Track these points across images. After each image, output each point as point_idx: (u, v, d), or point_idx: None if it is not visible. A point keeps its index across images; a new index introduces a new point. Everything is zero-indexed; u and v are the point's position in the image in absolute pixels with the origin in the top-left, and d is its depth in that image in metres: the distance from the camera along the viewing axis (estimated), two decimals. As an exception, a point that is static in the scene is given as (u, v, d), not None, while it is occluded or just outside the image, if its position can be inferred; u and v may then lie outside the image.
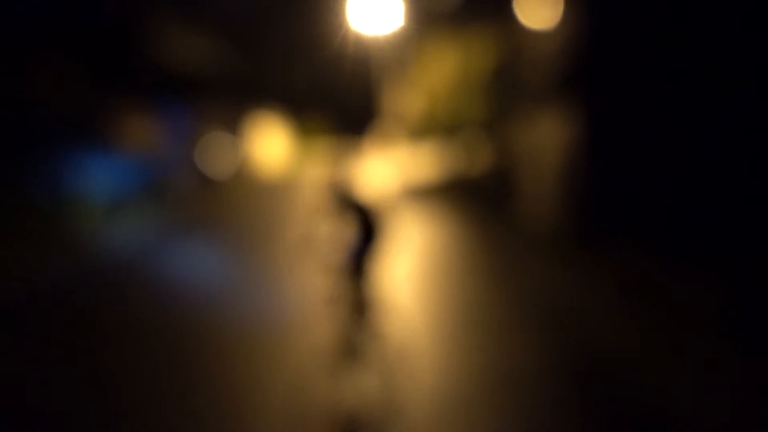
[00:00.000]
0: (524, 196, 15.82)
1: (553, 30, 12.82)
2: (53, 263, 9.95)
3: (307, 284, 7.09)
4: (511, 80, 18.51)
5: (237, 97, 40.72)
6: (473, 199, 18.27)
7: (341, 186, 5.23)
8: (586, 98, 11.43)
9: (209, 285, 8.50)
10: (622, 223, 10.83)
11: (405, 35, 45.72)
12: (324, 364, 5.14)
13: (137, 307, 7.32)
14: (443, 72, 20.78)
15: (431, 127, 31.72)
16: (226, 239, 13.20)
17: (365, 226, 5.11)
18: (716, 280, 7.82)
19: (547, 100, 13.23)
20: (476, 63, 33.95)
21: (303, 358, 5.28)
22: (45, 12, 23.06)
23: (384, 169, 32.34)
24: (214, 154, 29.20)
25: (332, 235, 5.17)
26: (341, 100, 65.99)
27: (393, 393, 4.65)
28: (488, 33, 33.99)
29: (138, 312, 7.04)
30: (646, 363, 5.56)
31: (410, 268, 9.65)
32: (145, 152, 24.63)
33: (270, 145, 43.39)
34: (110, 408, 4.52)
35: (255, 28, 39.64)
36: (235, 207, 19.97)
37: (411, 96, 44.00)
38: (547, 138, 13.48)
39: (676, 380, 5.21)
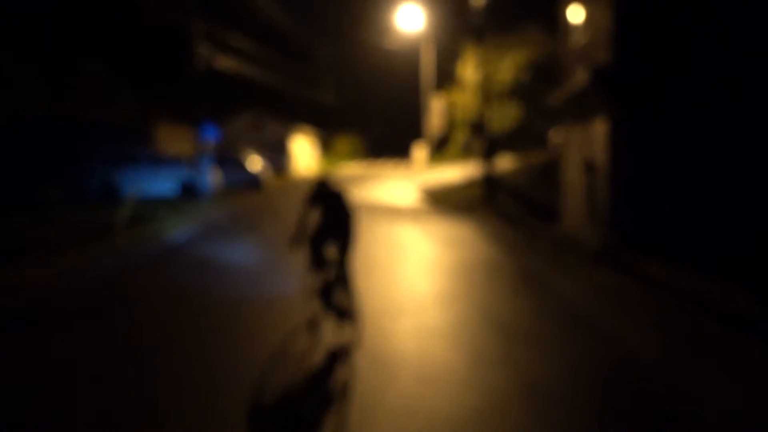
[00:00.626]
0: (559, 206, 15.62)
1: (587, 38, 12.65)
2: (106, 253, 11.48)
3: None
4: (545, 87, 18.23)
5: (279, 111, 41.52)
6: (505, 208, 18.07)
7: (322, 181, 6.47)
8: (619, 106, 11.22)
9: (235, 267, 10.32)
10: (658, 237, 10.60)
11: (442, 43, 45.68)
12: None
13: (175, 289, 8.72)
14: (483, 78, 20.61)
15: (468, 131, 31.52)
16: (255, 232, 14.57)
17: (334, 213, 6.25)
18: (752, 294, 7.55)
19: (582, 108, 13.03)
20: (512, 69, 33.69)
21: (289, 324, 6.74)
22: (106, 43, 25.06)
23: (417, 178, 32.34)
24: (258, 159, 29.91)
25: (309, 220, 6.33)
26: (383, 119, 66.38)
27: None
28: (526, 39, 33.70)
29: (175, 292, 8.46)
30: (680, 376, 5.36)
31: (436, 277, 9.56)
32: (186, 158, 25.40)
33: (304, 154, 44.11)
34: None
35: (301, 44, 40.32)
36: (271, 203, 20.18)
37: (450, 103, 43.94)
38: (583, 144, 13.27)
39: (710, 393, 5.01)
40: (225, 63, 24.88)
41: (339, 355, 5.82)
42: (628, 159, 11.21)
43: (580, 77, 12.31)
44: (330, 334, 6.29)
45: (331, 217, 6.24)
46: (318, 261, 6.25)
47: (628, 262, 10.23)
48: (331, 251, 6.27)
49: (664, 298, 8.24)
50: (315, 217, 6.32)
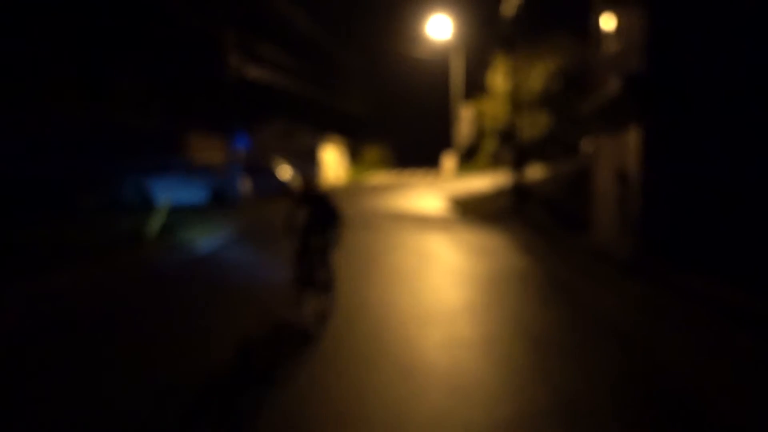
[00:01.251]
0: (589, 216, 15.42)
1: (619, 45, 12.50)
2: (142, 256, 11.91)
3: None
4: (575, 96, 18.05)
5: (308, 120, 41.90)
6: (535, 217, 17.89)
7: (306, 183, 7.92)
8: (655, 112, 11.05)
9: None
10: (692, 248, 10.40)
11: (472, 52, 45.56)
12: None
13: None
14: (512, 86, 20.50)
15: (498, 140, 31.37)
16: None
17: (321, 211, 7.48)
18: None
19: (614, 116, 12.87)
20: (542, 78, 33.43)
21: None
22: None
23: (446, 187, 32.25)
24: (288, 168, 30.28)
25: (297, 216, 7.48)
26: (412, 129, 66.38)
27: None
28: (556, 47, 33.43)
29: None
30: (719, 392, 5.22)
31: (465, 286, 9.47)
32: (217, 167, 25.76)
33: (334, 163, 44.47)
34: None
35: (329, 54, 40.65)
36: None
37: (479, 112, 43.77)
38: (615, 154, 13.09)
39: (751, 411, 4.87)
40: (255, 73, 25.12)
41: (319, 317, 7.26)
42: (661, 169, 11.02)
43: (612, 85, 12.16)
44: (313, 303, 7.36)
45: (318, 214, 7.49)
46: (305, 248, 7.42)
47: (661, 273, 10.04)
48: (316, 241, 7.43)
49: (699, 309, 8.05)
50: (303, 213, 7.53)
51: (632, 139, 11.86)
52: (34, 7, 26.37)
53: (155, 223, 14.03)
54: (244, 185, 22.84)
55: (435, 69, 59.81)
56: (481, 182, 31.57)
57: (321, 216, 7.50)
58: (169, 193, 17.66)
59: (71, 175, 23.52)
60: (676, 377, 5.65)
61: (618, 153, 12.93)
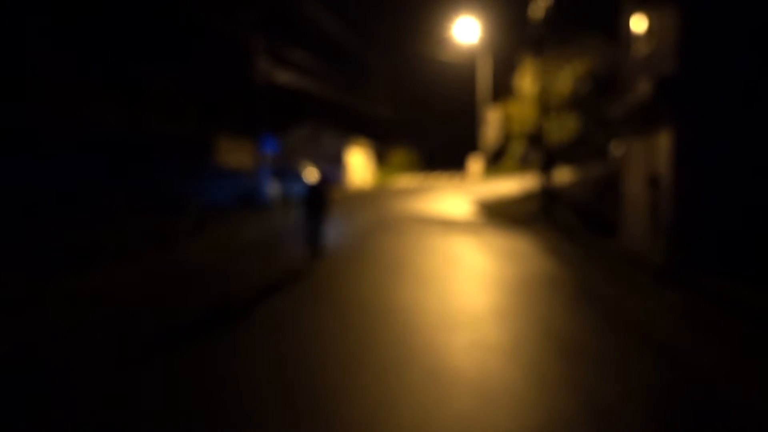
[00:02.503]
0: (619, 220, 15.19)
1: (650, 47, 12.31)
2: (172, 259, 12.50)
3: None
4: (604, 98, 17.81)
5: (335, 123, 42.12)
6: (564, 221, 17.68)
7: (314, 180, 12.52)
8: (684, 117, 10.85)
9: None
10: (726, 253, 10.18)
11: (499, 55, 45.35)
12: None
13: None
14: (540, 89, 20.32)
15: (526, 143, 31.15)
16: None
17: (318, 196, 12.09)
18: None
19: (645, 119, 12.67)
20: (570, 80, 33.11)
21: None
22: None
23: (473, 190, 32.08)
24: (315, 171, 30.50)
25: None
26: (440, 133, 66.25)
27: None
28: (585, 50, 33.11)
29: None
30: (759, 403, 5.08)
31: (492, 290, 9.39)
32: (246, 170, 26.06)
33: (360, 166, 44.59)
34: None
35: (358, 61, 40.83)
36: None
37: (506, 114, 43.52)
38: (646, 157, 12.88)
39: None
40: (284, 77, 25.31)
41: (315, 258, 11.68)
42: (693, 173, 10.81)
43: (642, 88, 11.97)
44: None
45: (316, 198, 12.07)
46: (310, 221, 12.02)
47: (694, 279, 9.84)
48: (316, 216, 12.01)
49: (734, 317, 7.86)
50: (308, 198, 12.13)
51: (664, 142, 11.66)
52: (68, 13, 27.05)
53: (186, 224, 14.29)
54: (272, 188, 23.00)
55: (462, 72, 59.60)
56: (509, 185, 31.35)
57: (319, 199, 12.03)
58: (200, 196, 17.89)
59: (107, 178, 24.04)
60: (714, 388, 5.50)
61: (649, 157, 12.72)
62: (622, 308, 8.41)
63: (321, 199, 11.97)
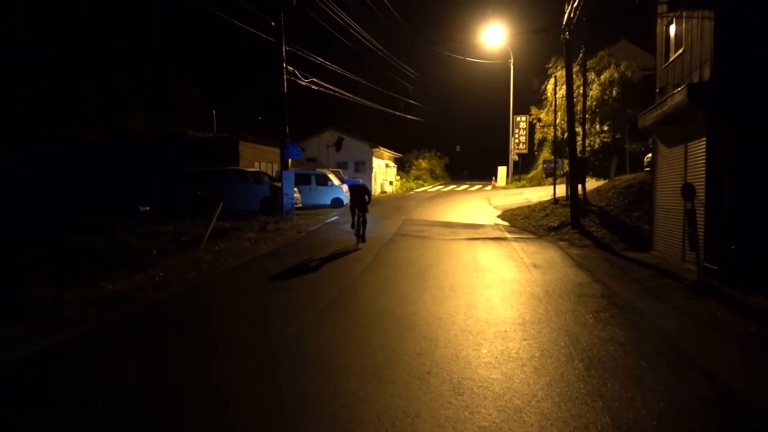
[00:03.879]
0: (650, 230, 14.85)
1: (685, 54, 12.01)
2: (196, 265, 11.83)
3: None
4: (636, 106, 17.47)
5: (360, 130, 42.05)
6: (593, 231, 17.33)
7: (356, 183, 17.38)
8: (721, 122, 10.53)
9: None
10: (762, 266, 9.84)
11: (529, 62, 44.97)
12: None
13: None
14: (571, 97, 20.01)
15: (555, 151, 30.77)
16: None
17: (360, 195, 15.38)
18: None
19: (678, 127, 12.36)
20: (601, 88, 32.64)
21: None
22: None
23: (500, 198, 31.77)
24: (339, 178, 30.67)
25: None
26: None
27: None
28: (617, 57, 32.63)
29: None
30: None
31: (518, 301, 9.18)
32: (269, 175, 26.32)
33: (385, 173, 44.57)
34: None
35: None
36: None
37: (536, 122, 43.08)
38: (679, 166, 12.56)
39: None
40: (309, 83, 25.34)
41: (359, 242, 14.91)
42: (728, 182, 10.49)
43: (676, 96, 11.67)
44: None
45: (358, 196, 15.26)
46: (354, 211, 15.27)
47: (729, 292, 9.51)
48: (358, 210, 15.20)
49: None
50: (353, 197, 15.42)
51: (698, 151, 11.35)
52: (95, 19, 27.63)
53: (209, 229, 14.30)
54: (295, 193, 23.07)
55: (491, 80, 59.24)
56: (537, 194, 31.00)
57: (361, 196, 15.22)
58: (224, 201, 17.99)
59: (131, 183, 24.32)
60: (750, 408, 5.25)
61: (683, 166, 12.41)
62: (653, 322, 8.13)
63: (362, 196, 15.15)
